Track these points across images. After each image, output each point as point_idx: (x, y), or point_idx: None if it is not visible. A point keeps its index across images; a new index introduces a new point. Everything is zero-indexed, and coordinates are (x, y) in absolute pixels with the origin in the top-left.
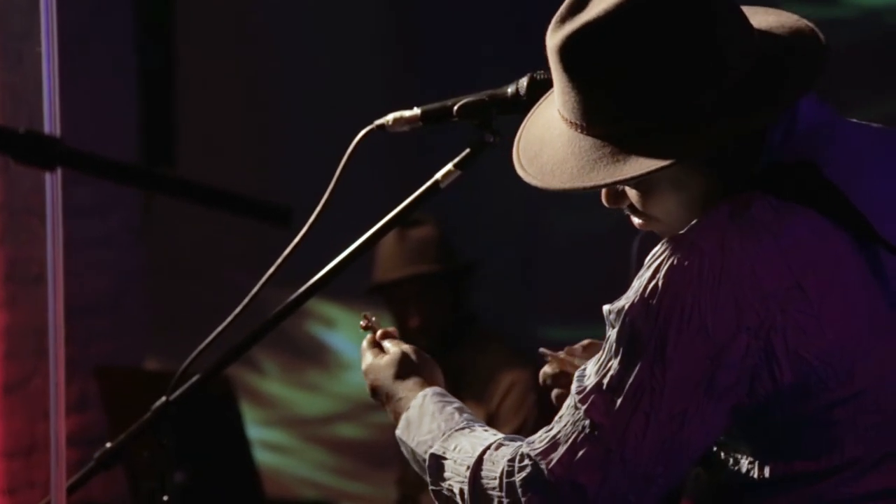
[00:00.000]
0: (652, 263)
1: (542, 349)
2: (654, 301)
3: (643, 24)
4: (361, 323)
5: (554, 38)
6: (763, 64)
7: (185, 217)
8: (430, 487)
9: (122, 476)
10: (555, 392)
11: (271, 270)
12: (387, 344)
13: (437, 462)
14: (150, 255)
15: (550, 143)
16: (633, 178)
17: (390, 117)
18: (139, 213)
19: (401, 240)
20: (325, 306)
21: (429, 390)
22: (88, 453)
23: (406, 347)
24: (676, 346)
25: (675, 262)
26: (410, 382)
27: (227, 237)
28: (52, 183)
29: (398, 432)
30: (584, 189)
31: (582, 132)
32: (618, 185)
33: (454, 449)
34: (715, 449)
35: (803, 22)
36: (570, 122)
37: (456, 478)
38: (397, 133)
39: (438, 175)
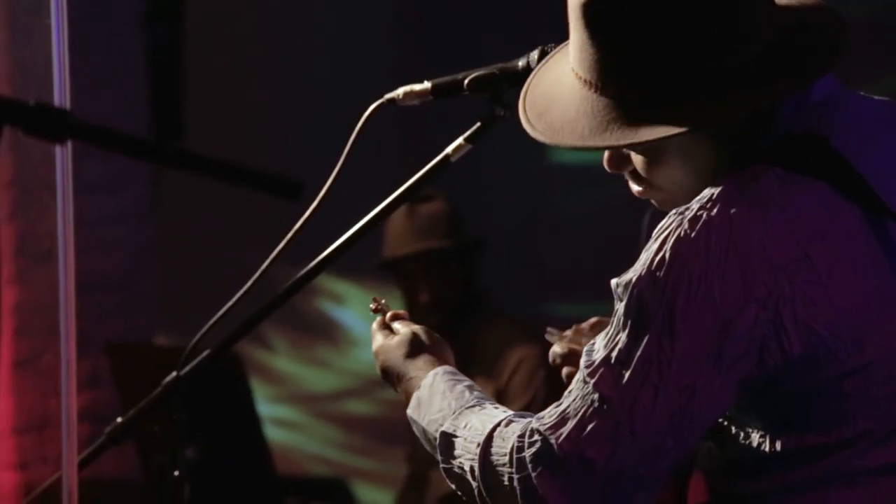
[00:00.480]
0: (659, 236)
1: (548, 329)
2: (662, 273)
3: None
4: (371, 306)
5: None
6: (784, 38)
7: (196, 193)
8: (441, 465)
9: (133, 451)
10: (565, 370)
11: (280, 246)
12: (396, 325)
13: (448, 440)
14: (162, 232)
15: (560, 99)
16: (647, 143)
17: (400, 91)
18: (150, 190)
19: (410, 215)
20: (334, 282)
21: (439, 369)
22: (100, 429)
23: (416, 328)
24: (685, 318)
25: (683, 234)
26: (420, 361)
27: (237, 214)
28: (63, 156)
29: (409, 411)
30: (595, 148)
31: (596, 91)
32: (626, 149)
33: (465, 427)
34: (725, 423)
35: (823, 2)
36: (585, 81)
37: (466, 455)
38: (407, 107)
39: (449, 149)
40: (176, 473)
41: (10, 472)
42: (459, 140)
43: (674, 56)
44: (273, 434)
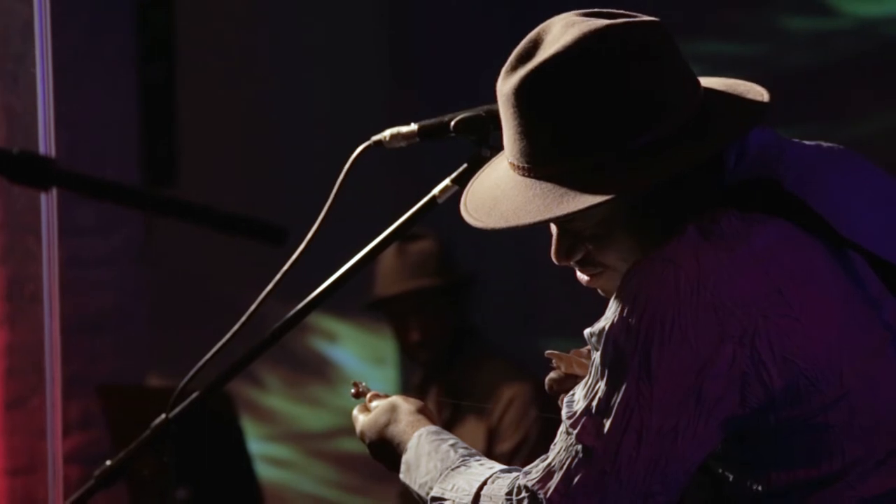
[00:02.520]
0: (628, 282)
1: (548, 352)
2: (634, 319)
3: (589, 67)
4: (352, 391)
5: (508, 83)
6: (704, 112)
7: (187, 235)
8: None
9: (124, 494)
10: (562, 397)
11: (270, 286)
12: (374, 404)
13: None
14: (153, 274)
15: (503, 194)
16: (572, 214)
17: (387, 133)
18: (141, 232)
19: (400, 254)
20: (327, 320)
21: (423, 430)
22: (92, 471)
23: (393, 397)
24: (660, 362)
25: (651, 278)
26: (402, 425)
27: (228, 255)
28: (48, 202)
29: (401, 476)
30: (525, 225)
31: (530, 175)
32: (573, 233)
33: (452, 489)
34: (714, 463)
35: (753, 86)
36: (519, 167)
37: None
38: (395, 149)
39: (436, 190)
40: None
41: None
42: (447, 181)
43: (596, 131)
44: (266, 473)
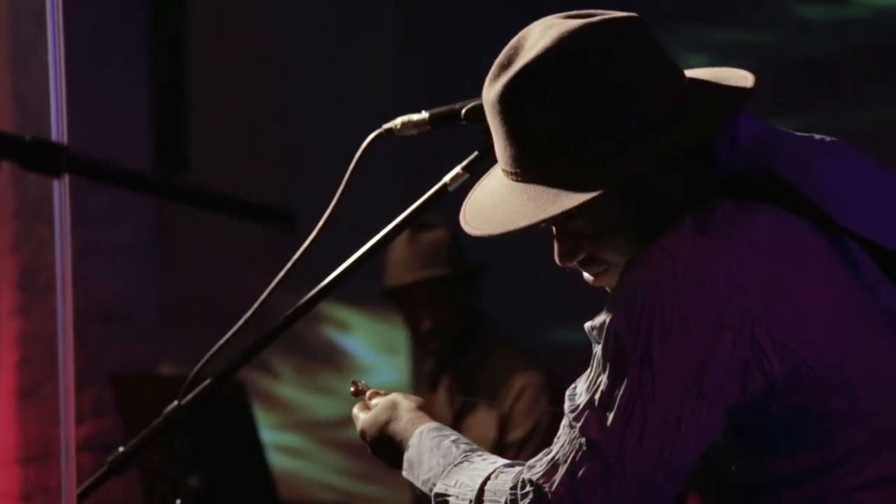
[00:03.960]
0: (627, 275)
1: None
2: (634, 312)
3: (568, 67)
4: (351, 389)
5: (492, 91)
6: (688, 100)
7: (199, 223)
8: None
9: (137, 481)
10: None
11: (281, 275)
12: (374, 402)
13: (442, 501)
14: (165, 262)
15: (500, 202)
16: (566, 212)
17: (398, 121)
18: (154, 220)
19: (411, 244)
20: (338, 309)
21: (424, 427)
22: (105, 459)
23: (392, 394)
24: (662, 354)
25: (650, 270)
26: (403, 422)
27: (241, 243)
28: (60, 189)
29: (404, 473)
30: (522, 229)
31: (522, 180)
32: (572, 234)
33: (455, 485)
34: (718, 452)
35: (738, 71)
36: (511, 173)
37: None
38: (406, 137)
39: (447, 178)
40: (177, 502)
41: (13, 503)
42: (457, 169)
43: (580, 128)
44: (278, 461)
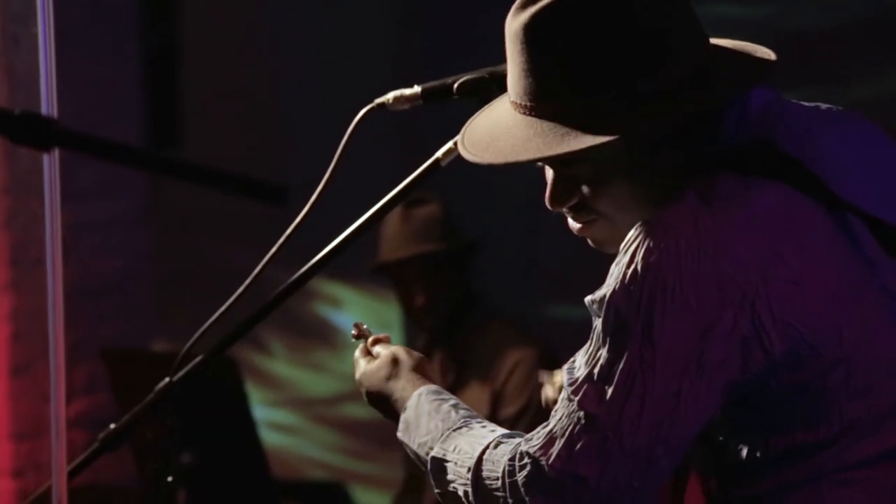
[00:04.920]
0: (628, 249)
1: (540, 372)
2: (635, 286)
3: (601, 6)
4: (353, 332)
5: (517, 20)
6: (712, 64)
7: (191, 199)
8: (436, 490)
9: (129, 458)
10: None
11: (273, 250)
12: (377, 349)
13: (439, 465)
14: (157, 237)
15: (502, 132)
16: (573, 153)
17: (390, 95)
18: (146, 195)
19: (405, 219)
20: (331, 286)
21: (423, 389)
22: (98, 435)
23: (395, 348)
24: (662, 328)
25: (652, 244)
26: (402, 381)
27: (233, 219)
28: (50, 164)
29: (399, 434)
30: (522, 162)
31: (532, 114)
32: (570, 177)
33: (454, 450)
34: (715, 430)
35: (760, 47)
36: (522, 106)
37: (459, 480)
38: (398, 111)
39: (439, 153)
40: (169, 479)
41: (6, 479)
42: (450, 144)
43: (603, 70)
44: (271, 438)
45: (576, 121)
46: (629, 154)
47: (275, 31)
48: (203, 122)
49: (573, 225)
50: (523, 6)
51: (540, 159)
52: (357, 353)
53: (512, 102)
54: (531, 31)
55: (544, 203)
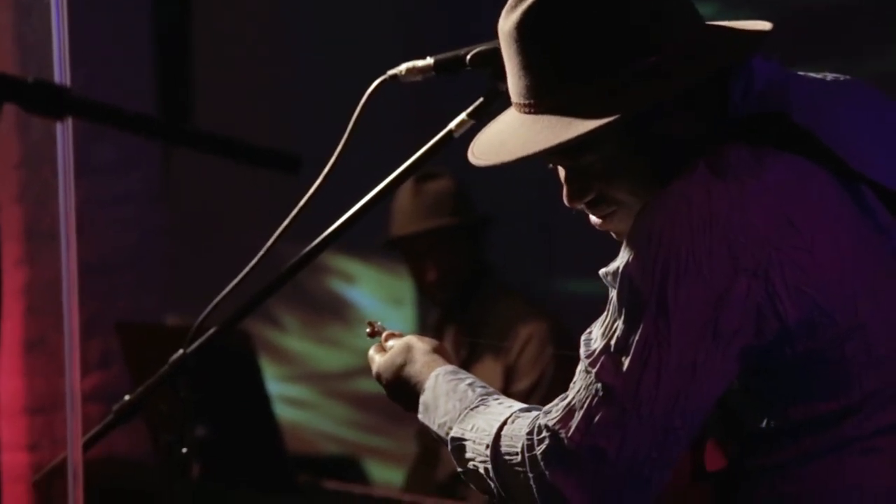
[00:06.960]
0: (641, 220)
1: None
2: (649, 257)
3: None
4: (367, 330)
5: (509, 21)
6: (706, 39)
7: (205, 174)
8: (458, 469)
9: (144, 430)
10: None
11: (285, 223)
12: (390, 343)
13: (458, 445)
14: (172, 212)
15: (509, 136)
16: (581, 137)
17: (403, 67)
18: (160, 171)
19: (417, 193)
20: (344, 261)
21: (440, 370)
22: (112, 407)
23: (408, 337)
24: (677, 298)
25: (665, 214)
26: (418, 365)
27: (247, 194)
28: (64, 134)
29: (419, 417)
30: (534, 155)
31: (535, 111)
32: (582, 170)
33: (472, 429)
34: (734, 399)
35: (757, 21)
36: (524, 105)
37: (479, 458)
38: (411, 83)
39: (452, 124)
40: (184, 451)
41: (21, 453)
42: (462, 115)
43: (600, 55)
44: (284, 413)
45: (577, 109)
46: (636, 135)
47: (286, 4)
48: (215, 96)
49: (594, 220)
50: (513, 7)
51: (550, 149)
52: (371, 351)
53: (515, 105)
54: (523, 30)
55: (558, 179)
